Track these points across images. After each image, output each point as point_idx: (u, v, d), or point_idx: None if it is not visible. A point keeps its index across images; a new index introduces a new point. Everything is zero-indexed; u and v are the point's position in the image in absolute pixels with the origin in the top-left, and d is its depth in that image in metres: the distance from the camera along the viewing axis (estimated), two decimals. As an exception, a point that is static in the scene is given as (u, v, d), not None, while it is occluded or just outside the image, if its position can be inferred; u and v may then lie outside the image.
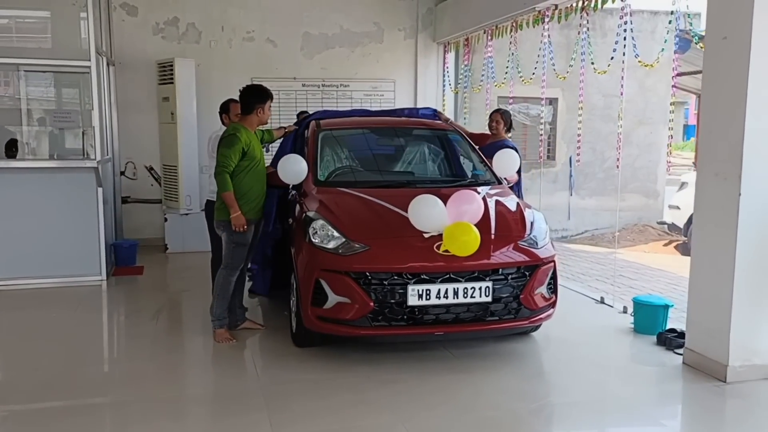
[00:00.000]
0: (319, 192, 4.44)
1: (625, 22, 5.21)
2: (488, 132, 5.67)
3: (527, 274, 3.93)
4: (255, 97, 4.39)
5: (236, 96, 4.54)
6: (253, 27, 8.05)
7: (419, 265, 3.77)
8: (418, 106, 8.62)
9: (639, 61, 5.24)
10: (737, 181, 3.60)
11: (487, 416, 3.38)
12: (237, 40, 8.01)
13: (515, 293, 3.88)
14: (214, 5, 7.92)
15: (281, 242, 4.91)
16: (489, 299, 3.80)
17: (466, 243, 3.71)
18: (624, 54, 5.23)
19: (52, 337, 4.65)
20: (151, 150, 7.79)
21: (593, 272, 7.72)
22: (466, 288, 3.76)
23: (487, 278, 3.81)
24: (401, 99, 8.60)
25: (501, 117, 5.56)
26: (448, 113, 8.79)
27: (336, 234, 3.91)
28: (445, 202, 3.82)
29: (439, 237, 3.78)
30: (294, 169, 4.54)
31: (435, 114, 5.70)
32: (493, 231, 3.97)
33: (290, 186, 4.70)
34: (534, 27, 6.53)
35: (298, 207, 4.45)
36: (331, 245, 3.89)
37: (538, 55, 6.43)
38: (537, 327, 4.39)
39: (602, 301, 5.41)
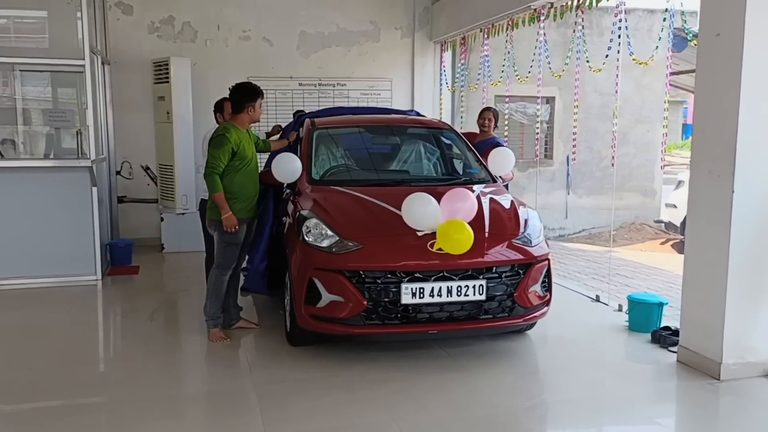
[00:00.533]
0: (313, 191, 4.44)
1: (620, 20, 5.21)
2: (475, 131, 5.75)
3: (521, 272, 3.93)
4: (245, 95, 4.36)
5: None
6: (249, 26, 8.04)
7: (413, 264, 3.76)
8: (414, 105, 8.66)
9: (634, 59, 5.24)
10: (731, 179, 3.60)
11: (482, 414, 3.37)
12: (233, 39, 8.00)
13: (509, 291, 3.88)
14: (209, 4, 7.91)
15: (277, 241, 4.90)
16: (483, 297, 3.80)
17: (459, 241, 3.70)
18: (619, 52, 5.23)
19: (47, 336, 4.64)
20: (147, 149, 7.78)
21: (589, 271, 7.72)
22: (459, 286, 3.76)
23: (481, 276, 3.81)
24: (398, 98, 8.60)
25: (493, 115, 5.74)
26: (445, 112, 8.81)
27: (329, 233, 3.91)
28: (438, 201, 3.82)
29: (433, 235, 3.77)
30: (288, 167, 4.53)
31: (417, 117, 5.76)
32: (487, 229, 3.96)
33: (284, 185, 4.70)
34: (530, 25, 6.54)
35: (292, 206, 4.44)
36: (324, 244, 3.88)
37: (534, 54, 6.43)
38: (532, 325, 4.39)
39: (597, 300, 5.41)
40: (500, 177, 4.93)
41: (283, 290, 4.62)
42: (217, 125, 4.94)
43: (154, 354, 4.29)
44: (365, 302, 3.72)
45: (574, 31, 5.91)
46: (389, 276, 3.73)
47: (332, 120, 5.36)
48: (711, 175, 3.75)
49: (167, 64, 7.32)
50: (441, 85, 8.72)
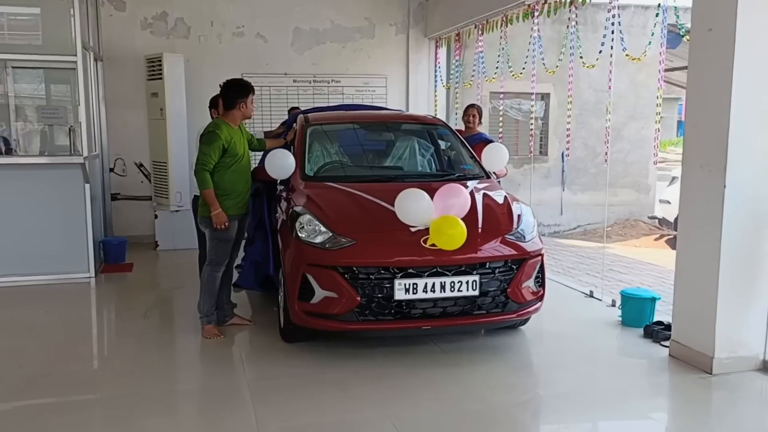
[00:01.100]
0: (306, 187, 4.43)
1: (613, 16, 5.21)
2: (461, 128, 5.81)
3: (514, 267, 3.93)
4: (237, 91, 4.34)
5: None
6: (243, 22, 8.01)
7: (406, 259, 3.76)
8: (409, 102, 8.67)
9: (627, 55, 5.24)
10: (722, 173, 3.61)
11: (475, 409, 3.38)
12: (227, 35, 7.98)
13: (502, 287, 3.88)
14: (203, 0, 7.87)
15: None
16: (476, 293, 3.80)
17: (452, 237, 3.70)
18: (612, 48, 5.24)
19: (40, 334, 4.63)
20: (141, 146, 7.76)
21: (583, 267, 7.74)
22: (453, 282, 3.76)
23: (474, 272, 3.81)
24: (393, 94, 8.60)
25: (477, 111, 5.91)
26: (440, 108, 8.82)
27: (323, 229, 3.90)
28: (432, 196, 3.82)
29: (426, 231, 3.77)
30: (281, 164, 4.52)
31: None
32: (480, 225, 3.97)
33: (278, 181, 4.69)
34: (524, 21, 6.53)
35: (285, 202, 4.43)
36: (317, 240, 3.88)
37: (529, 50, 6.43)
38: (525, 320, 4.39)
39: (591, 295, 5.42)
40: (494, 173, 4.94)
41: (275, 287, 4.63)
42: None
43: (148, 351, 4.28)
44: (358, 298, 3.71)
45: (567, 27, 5.91)
46: (382, 272, 3.73)
47: (326, 116, 5.36)
48: (703, 169, 3.76)
49: (160, 61, 7.30)
50: (436, 81, 8.72)
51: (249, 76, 7.85)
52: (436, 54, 8.72)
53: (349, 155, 5.15)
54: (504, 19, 6.79)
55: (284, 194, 4.56)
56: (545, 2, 6.06)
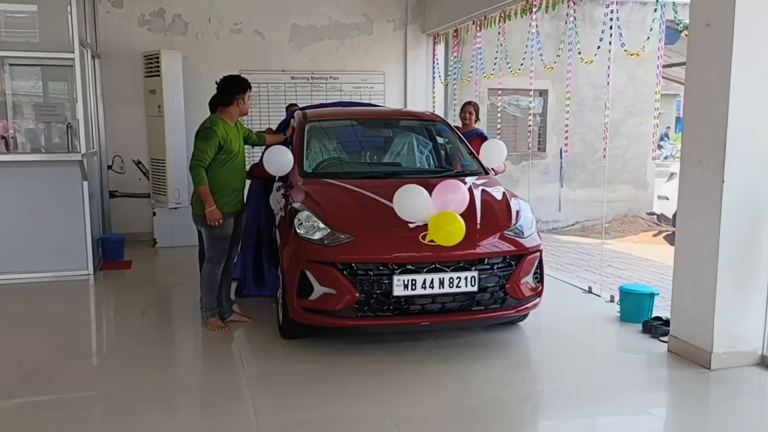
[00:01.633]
0: (305, 183, 4.42)
1: (612, 11, 5.21)
2: (457, 124, 5.86)
3: (513, 263, 3.93)
4: (234, 87, 4.33)
5: None
6: (241, 18, 7.99)
7: (405, 255, 3.76)
8: (408, 98, 8.66)
9: (625, 51, 5.23)
10: (721, 169, 3.61)
11: (474, 404, 3.38)
12: (224, 31, 7.96)
13: (501, 283, 3.88)
14: (200, -4, 7.87)
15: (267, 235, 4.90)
16: (475, 289, 3.80)
17: (451, 233, 3.70)
18: (611, 44, 5.23)
19: (38, 331, 4.63)
20: (139, 143, 7.74)
21: (582, 263, 7.74)
22: (451, 278, 3.76)
23: (473, 268, 3.81)
24: (391, 91, 8.58)
25: (473, 108, 6.10)
26: (438, 105, 8.80)
27: (321, 225, 3.90)
28: (430, 192, 3.82)
29: (425, 227, 3.77)
30: (280, 160, 4.52)
31: None
32: (478, 221, 3.97)
33: (276, 178, 4.68)
34: (522, 17, 6.52)
35: (283, 199, 4.43)
36: (316, 236, 3.87)
37: (527, 46, 6.42)
38: (524, 316, 4.40)
39: (590, 291, 5.43)
40: (492, 169, 4.93)
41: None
42: None
43: (147, 348, 4.27)
44: (357, 294, 3.71)
45: (566, 23, 5.90)
46: (381, 268, 3.73)
47: (324, 112, 5.35)
48: (701, 165, 3.76)
49: (158, 58, 7.27)
50: (434, 77, 8.70)
51: (247, 72, 7.88)
52: (434, 50, 8.71)
53: (348, 152, 5.14)
54: (502, 15, 6.78)
55: (282, 191, 4.55)
56: (543, -3, 6.05)
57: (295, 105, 6.81)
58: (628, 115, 11.59)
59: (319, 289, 3.79)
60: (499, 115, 7.79)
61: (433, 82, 8.72)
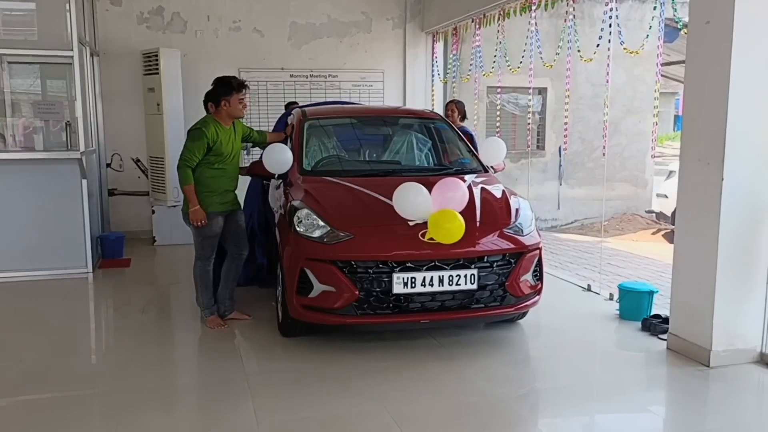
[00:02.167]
0: (304, 181, 4.42)
1: (611, 9, 5.21)
2: None
3: (512, 261, 3.93)
4: (220, 88, 4.33)
5: None
6: (240, 16, 7.98)
7: (404, 253, 3.76)
8: (407, 96, 8.66)
9: (624, 49, 5.24)
10: (720, 166, 3.61)
11: (473, 402, 3.39)
12: (223, 29, 7.95)
13: (500, 281, 3.88)
14: (199, -6, 7.85)
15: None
16: (474, 287, 3.80)
17: (450, 230, 3.70)
18: (610, 42, 5.23)
19: (37, 329, 4.63)
20: (138, 142, 7.73)
21: (581, 261, 7.75)
22: (451, 276, 3.76)
23: (473, 266, 3.81)
24: (390, 89, 8.58)
25: (455, 106, 6.24)
26: (437, 103, 8.79)
27: (321, 223, 3.90)
28: (430, 190, 3.82)
29: (424, 225, 3.77)
30: (279, 158, 4.51)
31: None
32: (478, 218, 3.97)
33: (276, 175, 4.68)
34: (521, 15, 6.52)
35: (283, 197, 4.42)
36: (316, 234, 3.87)
37: (526, 44, 6.42)
38: (523, 314, 4.40)
39: (589, 289, 5.43)
40: (492, 167, 4.94)
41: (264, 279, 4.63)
42: None
43: (146, 346, 4.27)
44: (357, 292, 3.71)
45: (565, 21, 5.90)
46: (381, 266, 3.73)
47: (323, 110, 5.34)
48: (700, 162, 3.76)
49: (157, 56, 7.26)
50: (433, 76, 8.69)
51: (246, 71, 7.90)
52: (433, 48, 8.70)
53: (347, 150, 5.14)
54: (501, 13, 6.78)
55: (282, 189, 4.55)
56: (542, -5, 6.05)
57: (295, 103, 6.81)
58: (627, 113, 11.60)
59: (318, 287, 3.79)
60: (498, 113, 7.78)
61: (432, 81, 8.71)
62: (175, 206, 7.29)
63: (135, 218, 7.76)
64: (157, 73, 7.27)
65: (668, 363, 3.90)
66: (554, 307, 4.79)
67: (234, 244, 4.54)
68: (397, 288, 3.71)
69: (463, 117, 6.32)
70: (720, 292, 3.70)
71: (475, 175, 4.66)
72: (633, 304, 4.59)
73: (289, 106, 6.69)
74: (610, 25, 5.20)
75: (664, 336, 4.15)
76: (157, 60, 7.26)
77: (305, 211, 3.98)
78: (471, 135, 6.11)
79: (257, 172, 4.69)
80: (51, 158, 6.05)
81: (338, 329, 4.08)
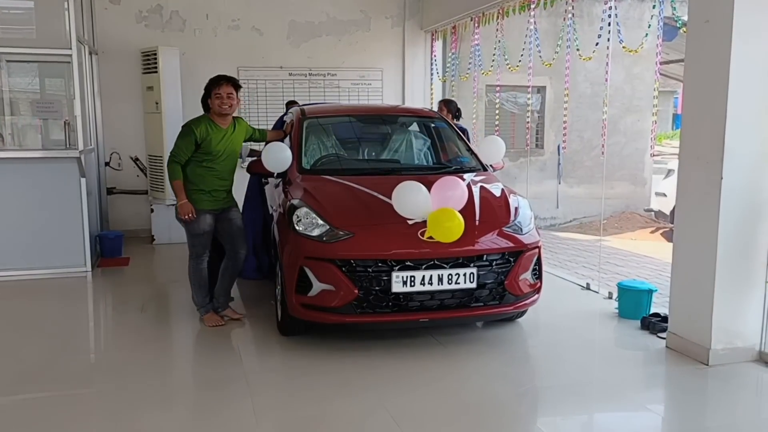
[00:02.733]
0: (303, 180, 4.42)
1: (610, 8, 5.21)
2: None
3: (512, 260, 3.94)
4: (206, 88, 4.36)
5: None
6: (239, 15, 7.97)
7: (404, 252, 3.76)
8: (405, 95, 8.65)
9: (623, 47, 5.23)
10: (719, 165, 3.62)
11: (471, 400, 3.39)
12: (222, 28, 7.93)
13: (500, 279, 3.89)
14: (198, -7, 7.84)
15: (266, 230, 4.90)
16: (474, 285, 3.81)
17: (450, 229, 3.70)
18: (609, 41, 5.23)
19: (37, 328, 4.63)
20: (136, 140, 7.73)
21: (580, 259, 7.76)
22: (450, 274, 3.76)
23: (472, 264, 3.81)
24: (389, 88, 8.57)
25: (444, 106, 6.26)
26: (436, 102, 8.77)
27: (320, 221, 3.90)
28: (429, 189, 3.82)
29: (424, 223, 3.77)
30: (278, 156, 4.51)
31: None
32: (477, 217, 3.97)
33: (275, 174, 4.68)
34: (520, 14, 6.52)
35: (282, 195, 4.42)
36: (315, 233, 3.87)
37: (525, 43, 6.42)
38: (522, 313, 4.41)
39: (588, 288, 5.44)
40: (491, 165, 4.94)
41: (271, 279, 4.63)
42: None
43: (145, 344, 4.27)
44: (356, 291, 3.71)
45: (564, 20, 5.90)
46: (380, 264, 3.73)
47: (322, 109, 5.34)
48: (699, 161, 3.76)
49: (155, 54, 7.25)
50: (432, 74, 8.69)
51: (244, 69, 7.90)
52: (432, 47, 8.69)
53: (346, 148, 5.14)
54: (500, 11, 6.77)
55: (281, 187, 4.55)
56: (542, -6, 6.05)
57: (295, 102, 6.80)
58: (626, 112, 11.60)
59: (317, 286, 3.79)
60: (497, 111, 7.78)
61: (431, 79, 8.71)
62: (173, 204, 7.26)
63: (134, 217, 7.75)
64: (156, 72, 7.26)
65: (667, 361, 3.91)
66: (553, 306, 4.79)
67: (229, 242, 4.52)
68: (397, 287, 3.72)
69: (456, 116, 6.28)
70: (719, 290, 3.71)
71: (474, 173, 4.66)
72: (632, 303, 4.60)
73: (290, 105, 6.69)
74: (609, 24, 5.20)
75: (663, 334, 4.15)
76: (155, 58, 7.25)
77: (304, 209, 3.98)
78: (464, 129, 6.14)
79: (256, 170, 4.69)
80: (49, 157, 6.04)
81: (337, 328, 4.09)
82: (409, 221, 3.81)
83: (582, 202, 11.39)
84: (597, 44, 5.45)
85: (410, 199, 3.80)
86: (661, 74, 6.04)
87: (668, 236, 9.77)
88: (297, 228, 3.92)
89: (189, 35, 7.81)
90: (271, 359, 3.99)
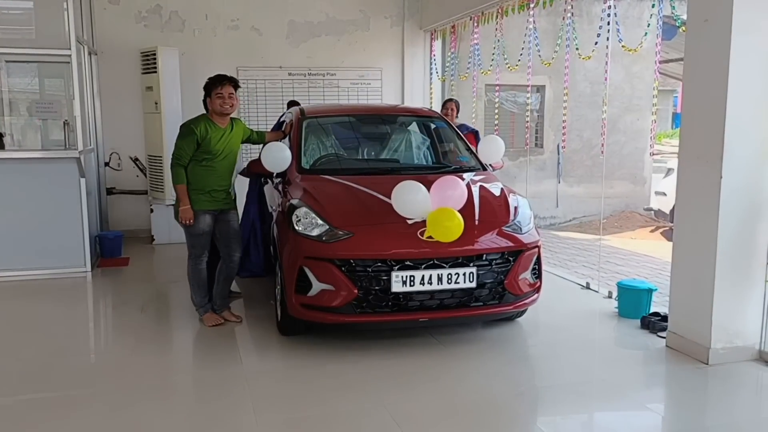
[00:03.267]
0: (303, 180, 4.42)
1: (609, 7, 5.21)
2: None
3: (511, 259, 3.93)
4: (205, 87, 4.36)
5: None
6: (238, 15, 7.97)
7: (403, 252, 3.76)
8: (405, 95, 8.65)
9: (623, 46, 5.24)
10: (719, 164, 3.62)
11: (471, 400, 3.39)
12: (221, 28, 7.93)
13: (499, 279, 3.89)
14: (197, -7, 7.83)
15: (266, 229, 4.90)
16: (473, 285, 3.81)
17: (449, 229, 3.70)
18: (608, 40, 5.23)
19: (36, 328, 4.62)
20: (136, 140, 7.72)
21: (580, 259, 7.76)
22: (450, 274, 3.76)
23: (471, 264, 3.81)
24: (388, 88, 8.57)
25: (454, 105, 6.30)
26: (435, 101, 8.79)
27: (320, 221, 3.90)
28: (428, 189, 3.82)
29: (423, 223, 3.77)
30: (277, 156, 4.51)
31: None
32: (477, 217, 3.97)
33: (274, 174, 4.68)
34: (520, 13, 6.52)
35: (281, 195, 4.42)
36: (314, 233, 3.87)
37: (524, 42, 6.42)
38: (522, 312, 4.41)
39: (587, 287, 5.44)
40: (490, 165, 4.94)
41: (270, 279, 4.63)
42: None
43: (145, 344, 4.27)
44: (356, 291, 3.72)
45: (563, 19, 5.90)
46: (380, 264, 3.73)
47: (322, 109, 5.34)
48: (699, 160, 3.76)
49: (155, 54, 7.25)
50: (431, 74, 8.69)
51: (244, 69, 7.90)
52: (431, 46, 8.69)
53: (346, 148, 5.14)
54: (500, 11, 6.77)
55: (280, 187, 4.55)
56: (541, -7, 6.05)
57: (296, 102, 6.80)
58: (625, 111, 11.61)
59: (317, 286, 3.79)
60: (496, 111, 7.78)
61: (431, 79, 8.71)
62: (173, 204, 7.27)
63: (133, 217, 7.75)
64: (155, 72, 7.26)
65: (667, 361, 3.91)
66: (553, 305, 4.79)
67: (224, 244, 4.50)
68: (396, 286, 3.71)
69: (457, 115, 6.32)
70: (719, 289, 3.71)
71: (473, 173, 4.66)
72: (632, 302, 4.60)
73: (290, 105, 6.69)
74: (609, 23, 5.20)
75: (663, 334, 4.15)
76: (155, 59, 7.25)
77: (304, 209, 3.98)
78: (475, 131, 6.15)
79: (255, 170, 4.69)
80: (49, 157, 6.04)
81: (337, 328, 4.09)
82: (408, 221, 3.81)
83: (581, 202, 11.40)
84: (596, 43, 5.46)
85: (410, 199, 3.80)
86: (660, 73, 6.05)
87: (668, 235, 9.77)
88: (296, 228, 3.92)
89: (188, 35, 7.81)
90: (271, 359, 3.99)
